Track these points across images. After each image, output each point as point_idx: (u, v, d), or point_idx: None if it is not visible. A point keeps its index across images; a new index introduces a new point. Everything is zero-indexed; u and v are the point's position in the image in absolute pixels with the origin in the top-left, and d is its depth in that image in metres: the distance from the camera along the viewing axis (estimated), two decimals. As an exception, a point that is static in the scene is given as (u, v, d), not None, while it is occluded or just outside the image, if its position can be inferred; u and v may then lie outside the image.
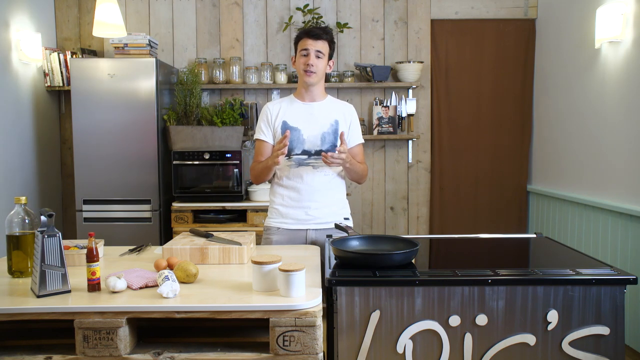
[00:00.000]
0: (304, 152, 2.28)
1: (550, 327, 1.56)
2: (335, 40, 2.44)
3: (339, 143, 2.24)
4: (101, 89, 3.63)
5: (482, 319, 1.57)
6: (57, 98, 4.22)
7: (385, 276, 1.58)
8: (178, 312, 1.47)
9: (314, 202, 2.29)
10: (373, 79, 4.10)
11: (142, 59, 3.67)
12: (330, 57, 2.32)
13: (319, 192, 2.29)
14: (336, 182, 2.35)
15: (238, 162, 3.78)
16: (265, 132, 2.34)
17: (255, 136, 2.37)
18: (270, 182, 2.41)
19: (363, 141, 2.41)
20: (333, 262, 1.74)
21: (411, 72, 4.13)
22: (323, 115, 2.31)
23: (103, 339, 1.45)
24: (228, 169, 3.80)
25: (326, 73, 2.36)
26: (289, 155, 2.27)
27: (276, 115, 2.32)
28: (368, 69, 4.09)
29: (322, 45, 2.26)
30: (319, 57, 2.25)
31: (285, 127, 2.28)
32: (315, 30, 2.27)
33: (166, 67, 3.91)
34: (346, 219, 2.37)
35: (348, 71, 4.20)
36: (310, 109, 2.32)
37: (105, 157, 3.66)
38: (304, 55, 2.25)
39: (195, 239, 2.01)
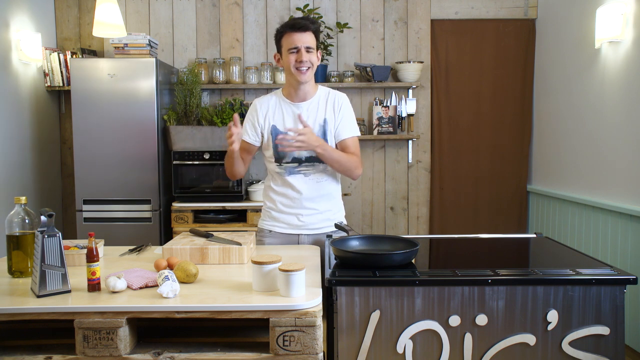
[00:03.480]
0: (295, 160, 2.18)
1: (550, 327, 1.56)
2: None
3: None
4: (101, 89, 3.63)
5: (482, 319, 1.57)
6: (57, 98, 4.22)
7: (385, 276, 1.58)
8: (178, 312, 1.46)
9: (306, 210, 2.21)
10: (373, 79, 4.10)
11: (142, 59, 3.67)
12: (317, 48, 2.12)
13: (311, 200, 2.20)
14: (330, 188, 2.24)
15: (238, 162, 3.78)
16: (250, 134, 2.21)
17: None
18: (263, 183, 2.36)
19: (357, 134, 2.22)
20: (333, 262, 1.74)
21: (411, 72, 4.13)
22: (312, 117, 2.18)
23: (103, 339, 1.45)
24: (228, 169, 3.79)
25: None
26: (279, 162, 2.19)
27: (264, 117, 2.20)
28: (368, 69, 4.09)
29: (310, 38, 2.08)
30: (309, 52, 2.07)
31: (275, 132, 2.17)
32: (301, 22, 2.06)
33: (166, 67, 3.91)
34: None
35: (348, 71, 4.19)
36: (300, 111, 2.18)
37: (105, 157, 3.66)
38: (293, 52, 2.07)
39: (195, 239, 2.01)
